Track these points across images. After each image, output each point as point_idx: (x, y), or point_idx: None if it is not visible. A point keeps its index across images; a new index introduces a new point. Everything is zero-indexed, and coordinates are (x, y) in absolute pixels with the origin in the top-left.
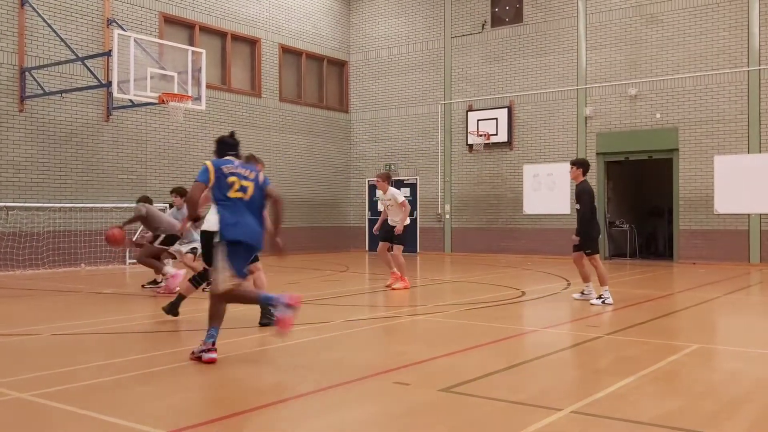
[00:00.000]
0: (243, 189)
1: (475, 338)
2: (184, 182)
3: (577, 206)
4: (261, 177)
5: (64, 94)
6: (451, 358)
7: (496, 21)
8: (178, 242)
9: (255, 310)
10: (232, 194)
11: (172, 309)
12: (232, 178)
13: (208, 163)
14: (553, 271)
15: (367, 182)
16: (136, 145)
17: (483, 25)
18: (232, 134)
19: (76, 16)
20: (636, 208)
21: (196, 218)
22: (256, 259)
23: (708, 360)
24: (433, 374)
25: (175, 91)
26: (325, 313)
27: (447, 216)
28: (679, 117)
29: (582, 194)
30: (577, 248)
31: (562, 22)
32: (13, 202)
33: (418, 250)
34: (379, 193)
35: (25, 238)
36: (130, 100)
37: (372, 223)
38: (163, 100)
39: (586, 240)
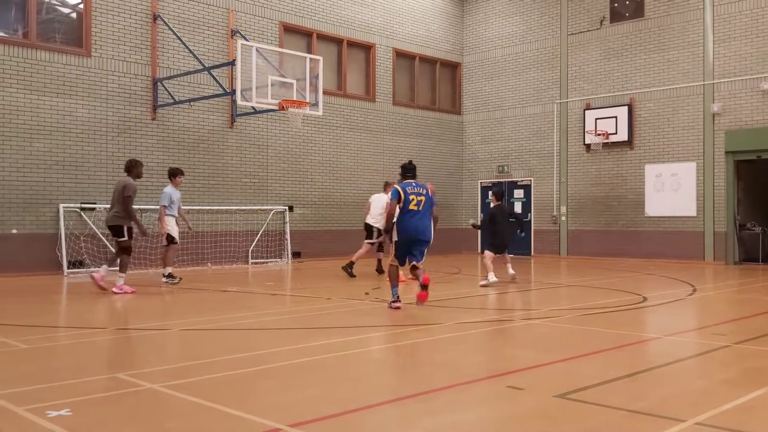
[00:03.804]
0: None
1: (593, 344)
2: (303, 185)
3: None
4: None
5: (192, 103)
6: (567, 363)
7: (616, 16)
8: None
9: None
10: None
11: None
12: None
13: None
14: (678, 275)
15: (479, 184)
16: (257, 150)
17: (601, 21)
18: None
19: (202, 28)
20: None
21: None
22: None
23: None
24: (548, 380)
25: (294, 98)
26: (437, 314)
27: (563, 218)
28: None
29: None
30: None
31: (687, 15)
32: (146, 205)
33: (532, 253)
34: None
35: (157, 239)
36: (252, 108)
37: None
38: (282, 107)
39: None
